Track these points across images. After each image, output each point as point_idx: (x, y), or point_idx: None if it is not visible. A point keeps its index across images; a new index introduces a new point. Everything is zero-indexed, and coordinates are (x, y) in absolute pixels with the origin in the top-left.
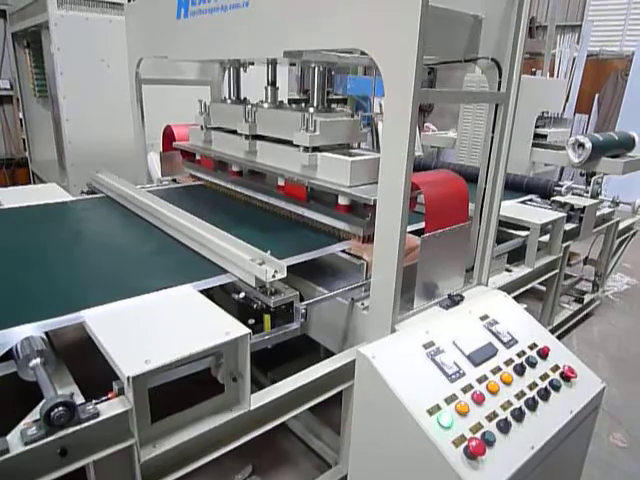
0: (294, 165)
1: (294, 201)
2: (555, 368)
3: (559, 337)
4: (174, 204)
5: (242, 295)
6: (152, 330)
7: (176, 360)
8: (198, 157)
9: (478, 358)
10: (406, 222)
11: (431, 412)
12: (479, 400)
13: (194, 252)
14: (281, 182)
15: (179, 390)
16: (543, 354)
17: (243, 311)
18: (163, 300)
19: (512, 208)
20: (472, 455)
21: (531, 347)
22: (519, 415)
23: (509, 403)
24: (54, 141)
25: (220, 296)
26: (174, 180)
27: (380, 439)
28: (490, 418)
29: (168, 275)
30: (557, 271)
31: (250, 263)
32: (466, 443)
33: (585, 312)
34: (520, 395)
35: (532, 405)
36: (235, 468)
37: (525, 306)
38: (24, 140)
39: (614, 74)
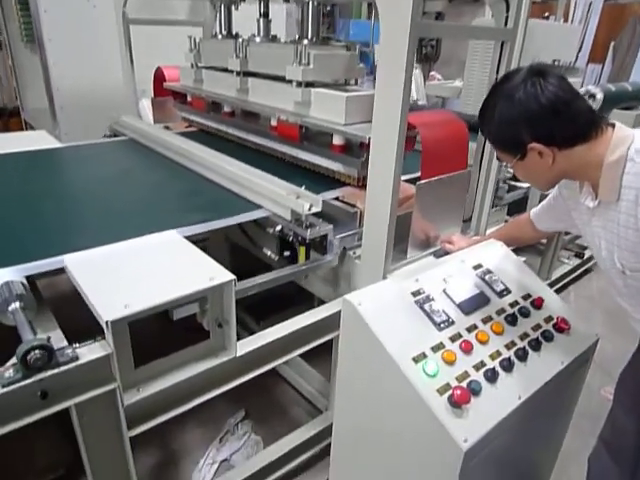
0: (287, 103)
1: (288, 142)
2: (548, 319)
3: (557, 292)
4: None
5: (278, 228)
6: (134, 275)
7: (156, 305)
8: (189, 98)
9: (469, 307)
10: (400, 164)
11: (416, 360)
12: (467, 349)
13: (225, 189)
14: (274, 122)
15: (166, 336)
16: (537, 305)
17: (280, 244)
18: (148, 245)
19: None
20: (456, 403)
21: (525, 297)
22: (508, 365)
23: (498, 353)
24: (44, 88)
25: (254, 231)
26: (167, 127)
27: (365, 387)
28: (478, 367)
29: (202, 213)
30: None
31: (286, 197)
32: (451, 391)
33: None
34: (510, 345)
35: (522, 355)
36: (228, 412)
37: (524, 259)
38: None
39: (633, 20)
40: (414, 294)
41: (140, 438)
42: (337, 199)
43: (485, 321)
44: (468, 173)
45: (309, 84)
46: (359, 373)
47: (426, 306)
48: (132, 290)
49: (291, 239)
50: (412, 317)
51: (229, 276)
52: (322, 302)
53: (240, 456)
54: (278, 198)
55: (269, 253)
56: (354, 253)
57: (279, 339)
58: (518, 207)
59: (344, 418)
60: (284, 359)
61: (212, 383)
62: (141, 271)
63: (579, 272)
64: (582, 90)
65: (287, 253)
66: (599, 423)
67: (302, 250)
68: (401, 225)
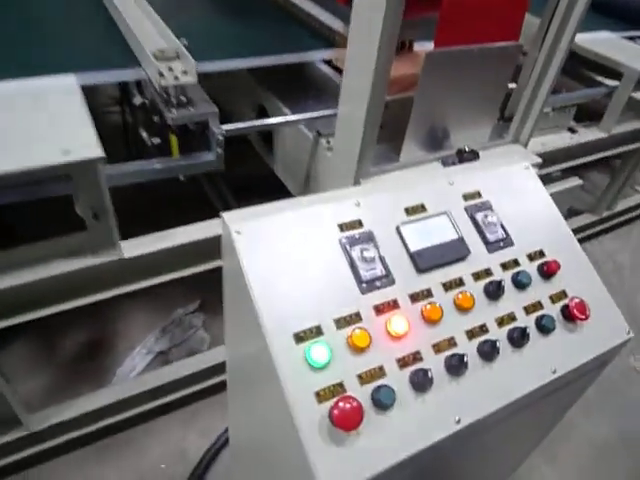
0: None
1: None
2: (558, 297)
3: (616, 226)
4: None
5: (139, 102)
6: None
7: None
8: None
9: (427, 261)
10: (398, 17)
11: (300, 338)
12: (398, 331)
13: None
14: None
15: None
16: (546, 271)
17: (147, 125)
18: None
19: (606, 42)
20: (337, 425)
21: (531, 257)
22: (458, 364)
23: (450, 343)
24: None
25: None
26: None
27: (240, 345)
28: (405, 363)
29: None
30: None
31: (148, 55)
32: (334, 400)
33: None
34: (476, 332)
35: (489, 352)
36: (183, 304)
37: (580, 182)
38: None
39: None
40: (343, 227)
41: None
42: (329, 63)
43: (448, 287)
44: (517, 48)
45: None
46: (235, 328)
47: (354, 250)
48: None
49: (157, 121)
50: (325, 266)
51: (93, 152)
52: None
53: (181, 351)
54: (146, 57)
55: (144, 135)
56: (327, 142)
57: (181, 246)
58: (591, 113)
59: (232, 351)
60: (185, 272)
61: (91, 285)
62: None
63: None
64: None
65: (156, 141)
66: (613, 398)
67: (173, 141)
68: (400, 113)
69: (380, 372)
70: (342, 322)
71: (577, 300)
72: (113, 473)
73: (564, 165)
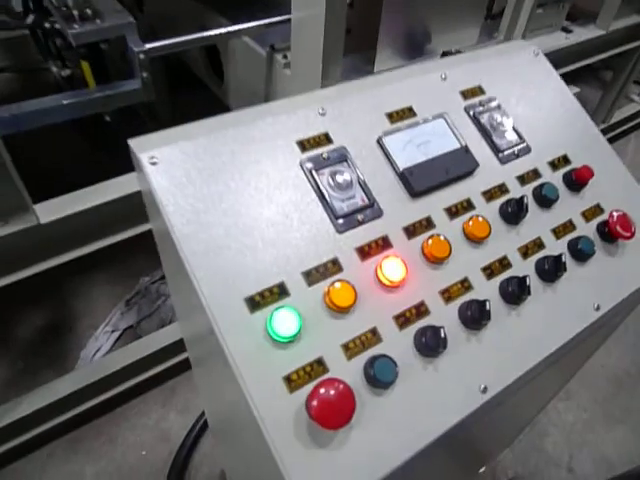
0: None
1: None
2: (592, 213)
3: (612, 139)
4: None
5: (30, 19)
6: None
7: None
8: None
9: (424, 181)
10: None
11: (257, 303)
12: (393, 278)
13: None
14: None
15: None
16: (577, 180)
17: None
18: None
19: None
20: (317, 420)
21: (554, 165)
22: (476, 317)
23: (464, 287)
24: None
25: None
26: None
27: (187, 321)
28: (405, 321)
29: None
30: None
31: None
32: (312, 385)
33: None
34: (496, 269)
35: (516, 293)
36: (147, 271)
37: (578, 90)
38: None
39: None
40: (304, 145)
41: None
42: None
43: (454, 213)
44: None
45: None
46: (178, 298)
47: (323, 175)
48: None
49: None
50: (283, 199)
51: None
52: None
53: (151, 324)
54: None
55: (54, 68)
56: (285, 58)
57: (116, 202)
58: (586, 15)
59: (183, 327)
60: (135, 231)
61: (9, 261)
62: None
63: None
64: None
65: (66, 73)
66: None
67: (85, 67)
68: (369, 13)
69: (374, 337)
70: (314, 275)
71: (619, 214)
72: (89, 467)
73: (561, 71)
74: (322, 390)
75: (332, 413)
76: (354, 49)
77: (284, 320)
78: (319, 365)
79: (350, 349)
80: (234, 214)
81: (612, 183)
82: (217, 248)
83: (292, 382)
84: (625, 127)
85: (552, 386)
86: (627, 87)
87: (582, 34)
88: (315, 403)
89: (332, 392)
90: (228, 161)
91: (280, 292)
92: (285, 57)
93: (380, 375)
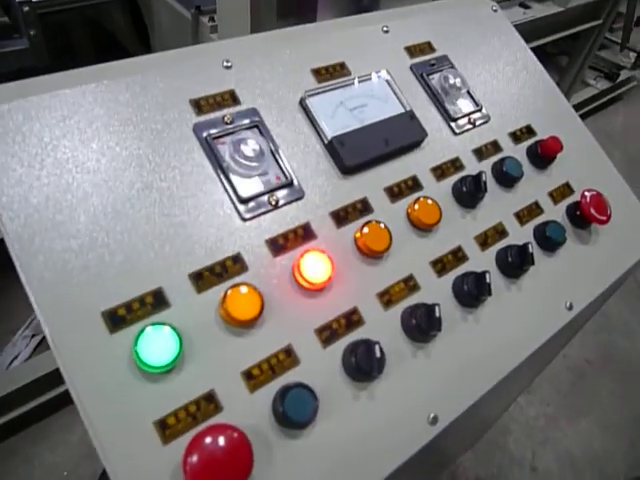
0: None
1: None
2: (562, 192)
3: None
4: None
5: None
6: None
7: None
8: None
9: (358, 154)
10: None
11: (120, 318)
12: (315, 279)
13: None
14: None
15: None
16: (543, 155)
17: None
18: None
19: None
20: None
21: (517, 136)
22: (423, 328)
23: (409, 288)
24: None
25: None
26: None
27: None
28: (331, 335)
29: None
30: (599, 22)
31: None
32: (190, 438)
33: (614, 94)
34: (448, 264)
35: (472, 294)
36: None
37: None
38: None
39: None
40: (200, 107)
41: None
42: None
43: (396, 194)
44: None
45: None
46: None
47: (225, 145)
48: None
49: None
50: (172, 177)
51: None
52: None
53: None
54: None
55: None
56: (212, 21)
57: None
58: None
59: None
60: None
61: None
62: None
63: (605, 99)
64: None
65: None
66: None
67: None
68: None
69: (288, 359)
70: (207, 278)
71: (592, 194)
72: None
73: None
74: (208, 440)
75: (218, 474)
76: (290, 12)
77: (157, 341)
78: (208, 402)
79: (255, 377)
80: (84, 195)
81: (583, 159)
82: (57, 239)
83: (168, 428)
84: (583, 110)
85: (517, 388)
86: (583, 71)
87: (540, 10)
88: (195, 459)
89: (221, 443)
90: (104, 123)
91: (156, 302)
92: (212, 20)
93: (292, 412)
